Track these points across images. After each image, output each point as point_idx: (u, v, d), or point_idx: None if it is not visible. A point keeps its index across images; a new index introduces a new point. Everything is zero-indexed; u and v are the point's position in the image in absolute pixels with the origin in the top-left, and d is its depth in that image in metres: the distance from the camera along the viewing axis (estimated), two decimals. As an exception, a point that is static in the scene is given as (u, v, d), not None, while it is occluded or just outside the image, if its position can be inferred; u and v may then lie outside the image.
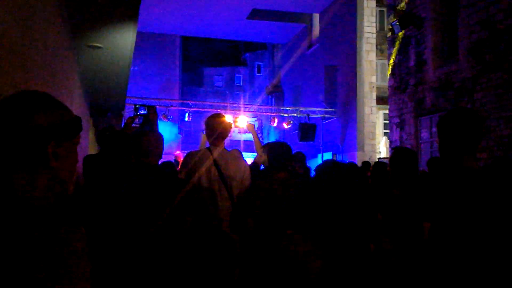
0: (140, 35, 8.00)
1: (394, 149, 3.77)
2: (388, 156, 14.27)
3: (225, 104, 21.37)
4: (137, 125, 4.36)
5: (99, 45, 5.99)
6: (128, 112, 14.53)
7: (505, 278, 2.06)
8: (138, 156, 3.31)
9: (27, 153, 1.19)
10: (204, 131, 4.08)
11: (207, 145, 4.02)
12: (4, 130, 1.15)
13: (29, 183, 1.19)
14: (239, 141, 31.36)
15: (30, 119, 1.18)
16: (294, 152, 5.79)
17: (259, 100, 32.74)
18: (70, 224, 1.19)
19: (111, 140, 3.73)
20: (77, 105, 7.14)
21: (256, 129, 19.12)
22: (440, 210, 2.15)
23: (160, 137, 3.42)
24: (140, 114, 4.69)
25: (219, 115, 4.07)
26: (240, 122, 16.71)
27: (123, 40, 5.83)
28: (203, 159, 3.83)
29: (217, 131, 3.90)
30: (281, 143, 4.11)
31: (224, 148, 4.01)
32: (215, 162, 3.82)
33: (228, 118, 4.17)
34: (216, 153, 3.87)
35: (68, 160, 1.28)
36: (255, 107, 21.94)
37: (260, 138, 22.20)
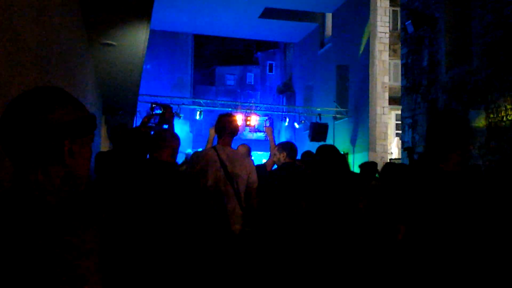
0: (153, 33, 8.05)
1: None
2: (400, 157, 14.19)
3: (237, 103, 21.38)
4: (153, 124, 4.37)
5: (113, 43, 6.04)
6: (142, 111, 14.61)
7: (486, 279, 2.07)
8: (151, 152, 3.34)
9: (43, 150, 1.20)
10: (213, 127, 4.15)
11: (215, 141, 4.08)
12: (20, 126, 1.17)
13: (44, 179, 1.21)
14: (250, 139, 31.39)
15: (47, 115, 1.18)
16: (303, 151, 6.07)
17: (270, 99, 32.75)
18: (82, 222, 1.20)
19: (123, 138, 3.75)
20: (90, 102, 7.20)
21: (265, 121, 19.20)
22: (416, 213, 2.17)
23: (174, 135, 3.44)
24: (156, 114, 4.70)
25: (231, 115, 4.13)
26: (251, 121, 16.74)
27: (136, 38, 5.87)
28: (209, 159, 3.85)
29: (227, 129, 3.95)
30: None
31: (231, 147, 4.06)
32: (221, 162, 3.84)
33: (238, 117, 4.29)
34: (222, 152, 3.89)
35: (82, 157, 1.29)
36: (266, 106, 21.94)
37: (270, 126, 22.25)
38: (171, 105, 16.91)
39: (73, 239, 1.14)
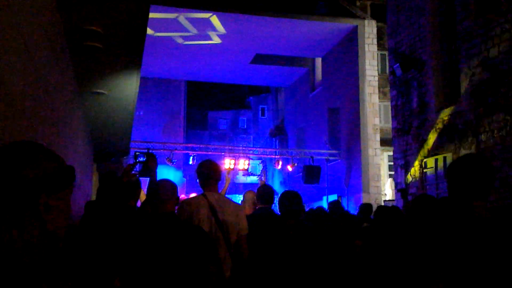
0: (145, 80, 8.16)
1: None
2: (394, 198, 14.13)
3: (229, 147, 21.42)
4: (137, 172, 4.32)
5: (104, 91, 6.07)
6: (128, 159, 14.53)
7: None
8: (155, 205, 3.31)
9: (17, 206, 1.16)
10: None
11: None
12: None
13: (19, 237, 1.16)
14: (244, 183, 31.25)
15: (19, 171, 1.16)
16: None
17: (263, 142, 32.87)
18: (56, 280, 1.15)
19: (103, 187, 3.71)
20: (81, 151, 7.16)
21: (261, 172, 19.20)
22: (450, 261, 2.07)
23: (175, 185, 3.44)
24: (139, 161, 4.66)
25: (207, 161, 4.09)
26: (241, 164, 16.75)
27: (127, 86, 5.91)
28: (199, 206, 3.79)
29: (212, 176, 3.91)
30: (294, 192, 4.36)
31: (218, 192, 4.02)
32: (212, 208, 3.78)
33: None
34: (212, 198, 3.84)
35: (60, 211, 1.25)
36: (259, 149, 21.98)
37: (265, 180, 22.14)
38: (163, 151, 16.91)
39: None
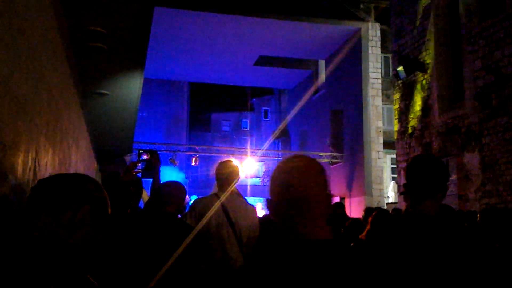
0: (148, 81, 8.17)
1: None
2: (397, 201, 14.09)
3: (232, 149, 21.42)
4: (140, 170, 4.32)
5: (107, 92, 6.07)
6: (131, 157, 14.56)
7: None
8: (159, 205, 3.33)
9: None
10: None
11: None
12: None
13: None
14: (246, 185, 31.23)
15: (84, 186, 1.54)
16: None
17: (266, 144, 32.85)
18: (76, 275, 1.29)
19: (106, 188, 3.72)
20: (83, 151, 7.17)
21: (263, 174, 19.17)
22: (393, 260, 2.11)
23: (181, 187, 3.44)
24: (143, 160, 4.66)
25: (225, 161, 4.08)
26: (245, 166, 16.74)
27: (130, 87, 5.91)
28: (210, 205, 3.81)
29: (223, 176, 3.90)
30: None
31: (234, 193, 3.99)
32: (223, 207, 3.79)
33: (235, 162, 4.21)
34: (224, 198, 3.85)
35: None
36: (262, 151, 21.97)
37: (267, 182, 22.13)
38: (166, 152, 16.92)
39: None
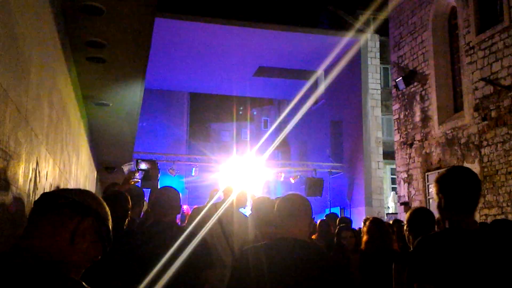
0: (148, 92, 8.19)
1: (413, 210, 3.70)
2: (397, 211, 14.07)
3: (231, 159, 21.39)
4: (138, 180, 4.35)
5: (107, 102, 6.09)
6: (130, 167, 14.54)
7: None
8: (158, 213, 3.31)
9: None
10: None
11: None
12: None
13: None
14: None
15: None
16: None
17: (265, 155, 32.80)
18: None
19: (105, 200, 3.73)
20: (84, 161, 7.18)
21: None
22: (440, 273, 2.08)
23: (176, 194, 3.45)
24: (141, 169, 4.69)
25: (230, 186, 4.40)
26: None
27: (130, 98, 5.93)
28: (209, 215, 3.97)
29: (227, 196, 4.16)
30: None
31: (233, 205, 4.14)
32: (219, 218, 3.92)
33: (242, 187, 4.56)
34: (221, 208, 3.99)
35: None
36: (261, 161, 21.93)
37: (267, 193, 22.17)
38: (166, 162, 16.91)
39: None
